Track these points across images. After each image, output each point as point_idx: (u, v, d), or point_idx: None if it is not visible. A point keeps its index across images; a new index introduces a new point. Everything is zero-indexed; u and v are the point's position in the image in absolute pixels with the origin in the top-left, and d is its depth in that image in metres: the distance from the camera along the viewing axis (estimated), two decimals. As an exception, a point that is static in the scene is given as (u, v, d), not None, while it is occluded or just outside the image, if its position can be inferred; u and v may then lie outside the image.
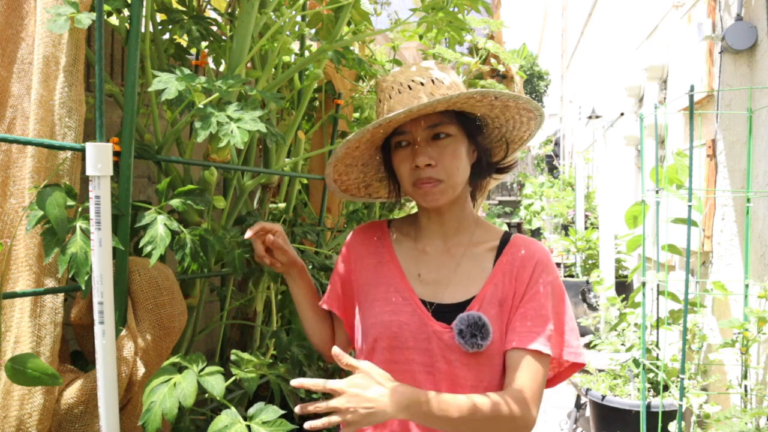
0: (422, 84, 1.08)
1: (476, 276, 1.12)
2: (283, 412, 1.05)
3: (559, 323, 1.10)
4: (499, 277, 1.11)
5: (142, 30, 1.23)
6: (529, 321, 1.07)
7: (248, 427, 1.02)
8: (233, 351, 1.24)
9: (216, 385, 1.07)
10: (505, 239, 1.16)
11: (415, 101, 1.06)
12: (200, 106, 1.13)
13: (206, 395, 1.10)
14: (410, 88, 1.08)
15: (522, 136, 1.19)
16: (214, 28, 1.51)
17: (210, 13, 1.76)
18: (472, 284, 1.11)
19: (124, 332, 1.14)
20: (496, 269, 1.12)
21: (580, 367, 1.13)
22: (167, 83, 1.09)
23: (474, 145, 1.14)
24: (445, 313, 1.09)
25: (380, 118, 1.07)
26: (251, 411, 1.05)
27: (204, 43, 1.57)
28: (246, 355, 1.23)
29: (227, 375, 1.14)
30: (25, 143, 1.02)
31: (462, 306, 1.09)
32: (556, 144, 15.47)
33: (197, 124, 1.09)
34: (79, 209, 1.08)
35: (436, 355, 1.07)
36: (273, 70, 1.67)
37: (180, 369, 1.10)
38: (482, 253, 1.15)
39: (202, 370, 1.10)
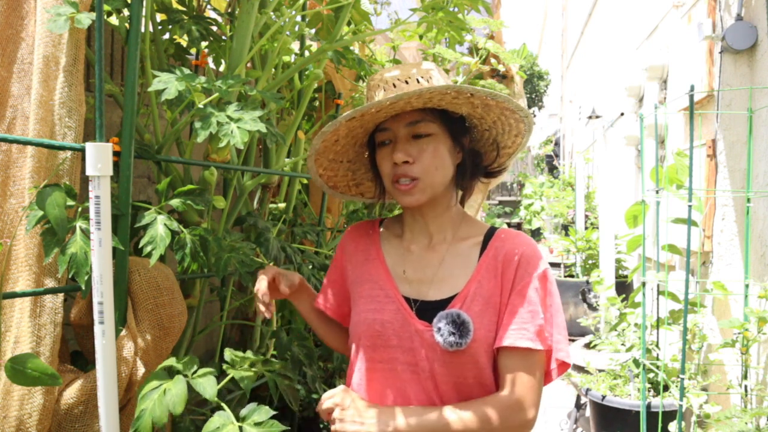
0: (407, 83, 1.08)
1: (460, 273, 1.11)
2: (274, 412, 1.05)
3: (548, 317, 1.08)
4: (483, 273, 1.09)
5: (142, 30, 1.23)
6: (518, 318, 1.05)
7: (240, 428, 1.02)
8: (227, 350, 1.24)
9: (208, 387, 1.07)
10: (489, 234, 1.14)
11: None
12: (200, 106, 1.13)
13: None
14: (395, 86, 1.08)
15: (514, 141, 1.18)
16: (214, 28, 1.51)
17: (210, 13, 1.76)
18: (455, 281, 1.10)
19: (124, 332, 1.14)
20: (480, 265, 1.10)
21: (567, 368, 1.10)
22: (167, 83, 1.09)
23: (458, 146, 1.13)
24: (428, 311, 1.08)
25: (355, 109, 1.07)
26: (244, 412, 1.05)
27: (204, 43, 1.57)
28: (240, 354, 1.24)
29: (226, 375, 1.14)
30: (25, 143, 1.02)
31: (445, 303, 1.08)
32: (556, 144, 15.47)
33: (197, 125, 1.09)
34: (79, 209, 1.08)
35: (419, 353, 1.06)
36: (273, 70, 1.67)
37: (173, 374, 1.10)
38: (466, 249, 1.13)
39: (194, 372, 1.10)
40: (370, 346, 1.10)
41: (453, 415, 1.01)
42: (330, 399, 1.05)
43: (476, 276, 1.09)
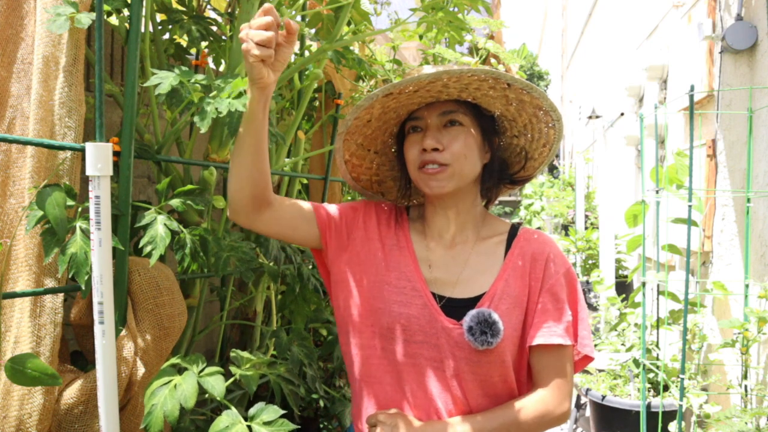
0: None
1: (486, 271, 1.11)
2: (283, 411, 1.05)
3: (574, 313, 1.12)
4: (509, 272, 1.11)
5: (142, 30, 1.23)
6: (547, 315, 1.08)
7: (249, 427, 1.02)
8: (233, 350, 1.24)
9: (216, 385, 1.07)
10: (512, 233, 1.16)
11: (434, 86, 1.05)
12: (197, 101, 1.13)
13: (206, 395, 1.10)
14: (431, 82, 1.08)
15: (541, 152, 1.17)
16: (214, 28, 1.51)
17: (210, 13, 1.76)
18: (482, 279, 1.11)
19: (124, 332, 1.14)
20: (506, 264, 1.11)
21: (589, 361, 1.14)
22: (163, 79, 1.09)
23: (488, 146, 1.13)
24: (455, 308, 1.08)
25: (394, 83, 1.05)
26: (252, 411, 1.04)
27: (204, 43, 1.57)
28: (246, 355, 1.23)
29: (227, 375, 1.14)
30: (25, 143, 1.02)
31: (473, 302, 1.08)
32: (556, 144, 15.44)
33: (197, 118, 1.09)
34: (79, 209, 1.08)
35: (445, 351, 1.06)
36: (273, 70, 1.67)
37: (180, 370, 1.10)
38: (491, 247, 1.14)
39: (202, 370, 1.10)
40: (392, 339, 1.09)
41: (494, 421, 1.05)
42: (382, 419, 1.06)
43: (503, 275, 1.11)
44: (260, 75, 0.95)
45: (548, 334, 1.07)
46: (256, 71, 0.95)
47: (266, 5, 0.93)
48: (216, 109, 1.09)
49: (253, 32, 0.91)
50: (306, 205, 1.15)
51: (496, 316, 1.04)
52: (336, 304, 1.18)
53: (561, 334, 1.08)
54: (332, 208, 1.19)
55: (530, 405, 1.07)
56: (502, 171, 1.18)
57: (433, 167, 1.07)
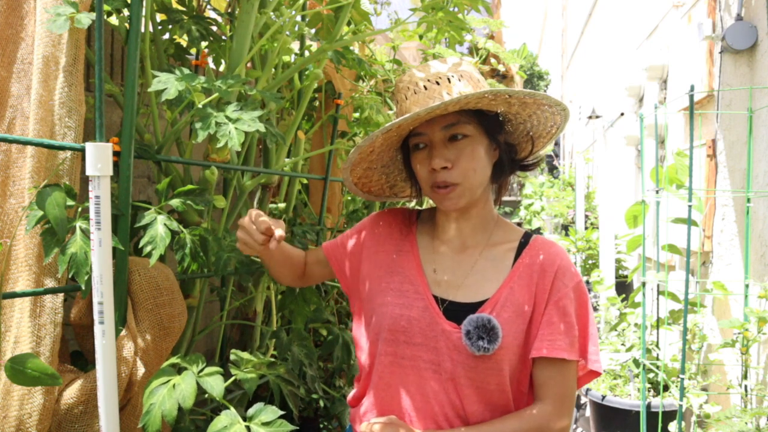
0: (438, 83, 1.06)
1: (492, 277, 1.10)
2: (282, 412, 1.05)
3: (583, 328, 1.09)
4: (516, 280, 1.09)
5: (142, 30, 1.23)
6: (552, 328, 1.06)
7: (247, 427, 1.02)
8: (233, 351, 1.24)
9: (215, 385, 1.07)
10: (524, 241, 1.14)
11: (431, 102, 1.04)
12: (200, 106, 1.13)
13: (206, 395, 1.10)
14: (425, 89, 1.06)
15: (549, 131, 1.15)
16: (214, 28, 1.51)
17: (210, 13, 1.76)
18: (487, 285, 1.09)
19: (124, 332, 1.14)
20: (514, 272, 1.10)
21: (596, 376, 1.11)
22: (167, 83, 1.09)
23: (495, 144, 1.11)
24: (456, 312, 1.07)
25: (393, 120, 1.05)
26: (250, 411, 1.04)
27: (204, 43, 1.57)
28: (246, 355, 1.23)
29: (227, 375, 1.14)
30: (25, 143, 1.03)
31: (475, 307, 1.07)
32: (556, 144, 15.47)
33: (197, 125, 1.09)
34: (79, 209, 1.08)
35: (443, 354, 1.06)
36: (273, 70, 1.67)
37: (179, 370, 1.10)
38: (500, 254, 1.12)
39: (201, 370, 1.10)
40: (392, 341, 1.09)
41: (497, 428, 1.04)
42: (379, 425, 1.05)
43: (508, 282, 1.09)
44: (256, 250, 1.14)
45: (552, 347, 1.05)
46: (254, 251, 1.16)
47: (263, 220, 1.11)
48: (216, 123, 1.10)
49: (255, 236, 1.10)
50: (322, 255, 1.29)
51: (495, 323, 1.03)
52: (354, 319, 1.21)
53: (565, 348, 1.05)
54: (340, 244, 1.27)
55: (528, 419, 1.05)
56: (512, 160, 1.16)
57: (443, 187, 1.07)
